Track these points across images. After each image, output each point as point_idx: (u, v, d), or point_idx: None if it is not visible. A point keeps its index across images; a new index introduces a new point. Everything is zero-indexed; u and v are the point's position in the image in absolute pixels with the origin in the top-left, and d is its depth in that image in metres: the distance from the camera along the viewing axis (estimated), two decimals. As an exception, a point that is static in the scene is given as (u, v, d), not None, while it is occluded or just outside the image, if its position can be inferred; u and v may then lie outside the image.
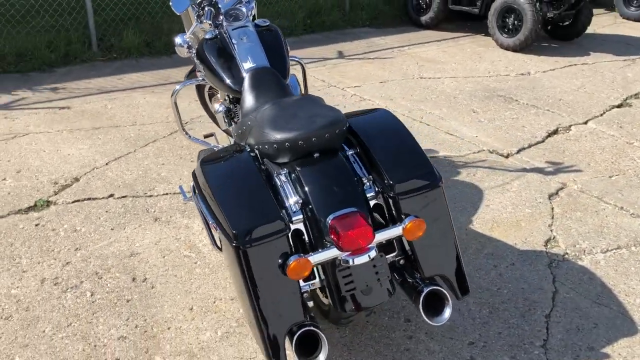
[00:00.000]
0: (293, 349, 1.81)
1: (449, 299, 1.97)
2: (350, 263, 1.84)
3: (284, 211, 1.92)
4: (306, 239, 1.96)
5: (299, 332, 1.84)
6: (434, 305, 1.99)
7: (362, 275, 1.92)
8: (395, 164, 2.03)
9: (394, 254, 2.05)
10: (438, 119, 4.38)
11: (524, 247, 2.82)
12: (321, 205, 1.91)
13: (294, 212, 1.94)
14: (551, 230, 2.97)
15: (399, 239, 2.03)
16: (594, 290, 2.51)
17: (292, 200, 1.94)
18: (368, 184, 2.02)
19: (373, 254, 1.86)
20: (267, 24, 2.85)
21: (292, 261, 1.79)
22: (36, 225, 2.89)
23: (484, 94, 4.94)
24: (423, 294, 1.95)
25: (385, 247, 2.03)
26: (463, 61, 5.96)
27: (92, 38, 5.57)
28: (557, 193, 3.34)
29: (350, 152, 2.10)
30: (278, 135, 1.99)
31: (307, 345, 1.88)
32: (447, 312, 1.98)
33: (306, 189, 1.94)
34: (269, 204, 1.88)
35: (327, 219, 1.88)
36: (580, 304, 2.42)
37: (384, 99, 4.78)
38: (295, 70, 3.15)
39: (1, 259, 2.63)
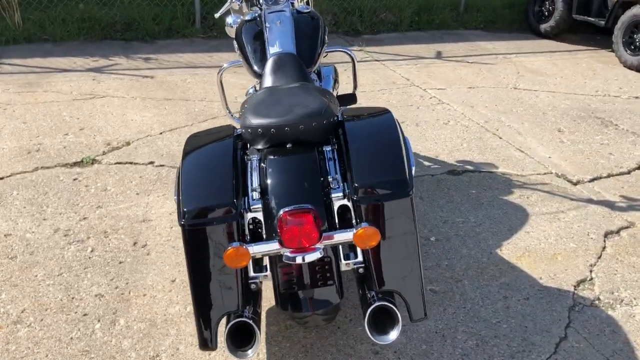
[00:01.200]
0: (224, 337, 1.76)
1: (399, 319, 1.81)
2: (291, 261, 1.75)
3: (245, 198, 1.86)
4: (263, 229, 1.89)
5: (231, 323, 1.79)
6: (385, 322, 1.84)
7: (304, 276, 1.82)
8: (366, 167, 1.89)
9: (355, 260, 1.91)
10: (514, 134, 4.04)
11: (549, 283, 2.51)
12: (278, 196, 1.83)
13: (254, 200, 1.87)
14: (591, 271, 2.62)
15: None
16: (612, 345, 2.18)
17: (254, 187, 1.88)
18: (336, 183, 1.90)
19: (317, 255, 1.75)
20: (309, 10, 2.79)
21: (230, 248, 1.73)
22: (74, 179, 3.09)
23: (578, 114, 4.48)
24: (371, 308, 1.81)
25: (348, 253, 1.91)
26: (571, 76, 5.45)
27: (196, 15, 5.83)
28: (617, 232, 2.94)
29: (328, 148, 1.98)
30: (254, 121, 1.93)
31: (244, 337, 1.83)
32: (393, 334, 1.81)
33: (268, 178, 1.87)
34: (226, 188, 1.83)
35: (280, 211, 1.80)
36: (587, 357, 2.11)
37: (464, 104, 4.51)
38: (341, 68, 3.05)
39: (31, 205, 2.85)
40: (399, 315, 1.82)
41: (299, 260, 1.74)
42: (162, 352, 2.05)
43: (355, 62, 3.25)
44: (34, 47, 5.14)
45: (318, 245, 1.76)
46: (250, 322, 1.78)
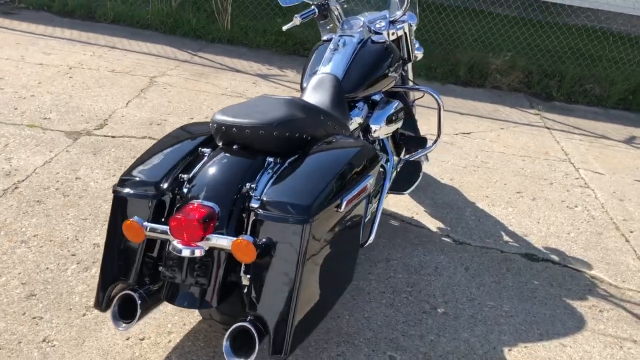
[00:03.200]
0: (112, 307, 1.85)
1: (256, 347, 1.68)
2: (173, 250, 1.76)
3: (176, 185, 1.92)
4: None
5: (120, 293, 1.87)
6: (247, 344, 1.72)
7: (183, 269, 1.81)
8: (282, 184, 1.80)
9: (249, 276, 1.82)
10: (651, 241, 3.31)
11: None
12: (194, 189, 1.85)
13: (181, 188, 1.92)
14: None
15: None
16: None
17: (185, 177, 1.93)
18: (258, 193, 1.84)
19: (197, 253, 1.73)
20: (383, 40, 2.73)
21: (128, 220, 1.82)
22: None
23: None
24: (232, 327, 1.72)
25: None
26: None
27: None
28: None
29: (271, 159, 1.93)
30: (217, 117, 1.99)
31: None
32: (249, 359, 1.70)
33: (199, 171, 1.90)
34: (161, 170, 1.92)
35: (188, 203, 1.83)
36: None
37: (612, 196, 3.82)
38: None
39: (115, 162, 3.29)
40: (256, 343, 1.70)
41: (176, 251, 1.74)
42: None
43: (442, 107, 3.06)
44: (231, 48, 5.84)
45: (201, 244, 1.74)
46: (135, 295, 1.83)
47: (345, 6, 3.13)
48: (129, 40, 5.54)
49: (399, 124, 2.85)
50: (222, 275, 1.80)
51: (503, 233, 3.19)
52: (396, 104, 2.80)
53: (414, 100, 3.43)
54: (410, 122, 3.19)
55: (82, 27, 5.72)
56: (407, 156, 3.14)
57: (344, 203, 1.85)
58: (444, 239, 3.05)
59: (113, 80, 4.52)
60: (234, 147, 1.96)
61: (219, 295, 1.81)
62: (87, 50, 5.10)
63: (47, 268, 2.39)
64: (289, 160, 1.95)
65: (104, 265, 1.92)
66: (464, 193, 3.57)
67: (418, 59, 3.25)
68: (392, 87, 3.04)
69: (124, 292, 1.87)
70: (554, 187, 3.84)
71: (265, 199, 1.76)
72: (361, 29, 2.76)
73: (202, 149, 2.02)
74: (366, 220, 2.15)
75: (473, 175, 3.83)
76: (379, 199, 2.32)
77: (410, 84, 3.28)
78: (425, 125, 4.52)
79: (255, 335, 1.71)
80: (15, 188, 2.90)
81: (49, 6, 6.11)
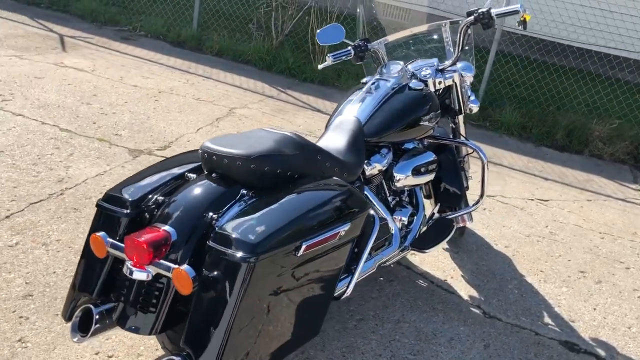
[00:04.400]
0: (73, 318, 1.87)
1: None
2: (124, 270, 1.74)
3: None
4: None
5: (80, 307, 1.87)
6: None
7: (132, 292, 1.77)
8: (244, 217, 1.73)
9: None
10: None
11: None
12: (163, 212, 1.83)
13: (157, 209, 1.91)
14: None
15: None
16: None
17: (161, 199, 1.91)
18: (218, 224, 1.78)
19: (143, 276, 1.70)
20: (421, 87, 2.59)
21: (94, 234, 1.83)
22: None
23: None
24: (161, 359, 1.65)
25: None
26: None
27: (481, 92, 5.74)
28: None
29: (245, 192, 1.86)
30: (204, 143, 1.97)
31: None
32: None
33: (174, 194, 1.88)
34: (142, 190, 1.93)
35: (151, 225, 1.81)
36: None
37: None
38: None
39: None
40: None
41: (126, 272, 1.72)
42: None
43: (486, 166, 2.84)
44: (320, 88, 5.89)
45: (150, 268, 1.71)
46: (94, 310, 1.83)
47: (403, 52, 3.03)
48: (225, 73, 5.80)
49: (429, 177, 2.66)
50: (170, 303, 1.75)
51: (546, 314, 2.83)
52: (428, 156, 2.63)
53: (465, 155, 3.20)
54: (455, 177, 2.97)
55: (187, 57, 6.10)
56: (445, 213, 2.93)
57: (303, 247, 1.73)
58: (472, 309, 2.77)
59: (194, 107, 4.73)
60: (213, 175, 1.93)
61: (164, 323, 1.75)
62: (182, 77, 5.42)
63: (54, 272, 2.48)
64: (262, 195, 1.87)
65: (75, 276, 1.94)
66: (515, 263, 3.24)
67: (473, 111, 3.04)
68: (436, 139, 2.87)
69: (84, 306, 1.87)
70: (629, 272, 3.36)
71: (218, 230, 1.69)
72: (399, 73, 2.65)
73: (189, 175, 2.01)
74: (342, 270, 2.00)
75: (534, 245, 3.48)
76: (363, 250, 2.14)
77: (462, 138, 3.07)
78: (498, 186, 4.22)
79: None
80: (61, 194, 3.08)
81: (164, 36, 6.60)
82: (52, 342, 2.12)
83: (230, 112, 4.78)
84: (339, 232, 1.84)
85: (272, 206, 1.79)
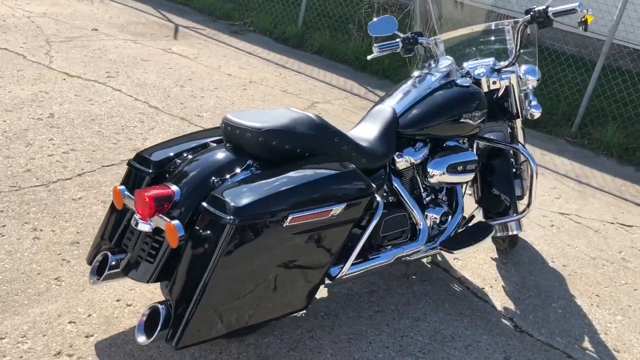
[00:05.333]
0: (93, 263, 2.07)
1: (156, 329, 1.72)
2: (132, 222, 1.90)
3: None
4: None
5: (99, 255, 2.06)
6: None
7: (137, 241, 1.92)
8: (241, 184, 1.85)
9: None
10: None
11: None
12: (176, 173, 1.97)
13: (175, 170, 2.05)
14: None
15: None
16: None
17: (180, 163, 2.05)
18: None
19: (146, 228, 1.84)
20: (468, 85, 2.54)
21: (114, 187, 2.01)
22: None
23: None
24: (149, 306, 1.79)
25: None
26: None
27: (577, 118, 5.39)
28: None
29: (251, 162, 1.94)
30: (226, 115, 2.08)
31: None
32: (141, 338, 1.75)
33: (192, 160, 2.01)
34: (168, 153, 2.09)
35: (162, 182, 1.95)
36: None
37: None
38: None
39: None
40: (159, 325, 1.73)
41: (133, 223, 1.88)
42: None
43: (535, 174, 2.72)
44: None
45: (152, 221, 1.85)
46: (109, 256, 2.01)
47: (466, 50, 2.97)
48: (319, 70, 5.95)
49: (466, 177, 2.58)
50: (167, 256, 1.87)
51: (587, 338, 2.62)
52: (467, 155, 2.55)
53: (522, 162, 3.04)
54: (504, 183, 2.86)
55: (287, 53, 6.33)
56: (491, 219, 2.82)
57: (290, 218, 1.78)
58: (503, 320, 2.64)
59: (278, 98, 4.91)
60: (227, 145, 2.04)
61: (159, 273, 1.88)
62: (276, 71, 5.64)
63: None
64: (266, 167, 1.95)
65: (101, 225, 2.14)
66: (569, 284, 3.03)
67: (535, 117, 2.89)
68: (486, 141, 2.79)
69: (103, 252, 2.06)
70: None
71: (212, 193, 1.79)
72: (447, 68, 2.60)
73: (211, 144, 2.13)
74: (339, 250, 2.01)
75: (597, 269, 3.22)
76: (362, 234, 2.13)
77: (519, 145, 2.92)
78: (576, 205, 3.95)
79: (162, 318, 1.74)
80: (132, 161, 3.37)
81: (271, 32, 6.89)
82: (82, 285, 2.35)
83: (312, 105, 4.91)
84: (331, 210, 1.87)
85: (270, 177, 1.86)
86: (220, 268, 1.69)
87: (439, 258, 3.02)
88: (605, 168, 4.87)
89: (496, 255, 3.15)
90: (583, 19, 2.42)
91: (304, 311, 2.42)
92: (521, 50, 2.67)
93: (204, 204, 1.77)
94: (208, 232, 1.72)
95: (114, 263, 2.01)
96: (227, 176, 1.91)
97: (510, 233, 2.92)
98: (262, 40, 6.64)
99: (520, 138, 2.94)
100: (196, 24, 6.73)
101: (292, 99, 4.97)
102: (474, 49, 2.92)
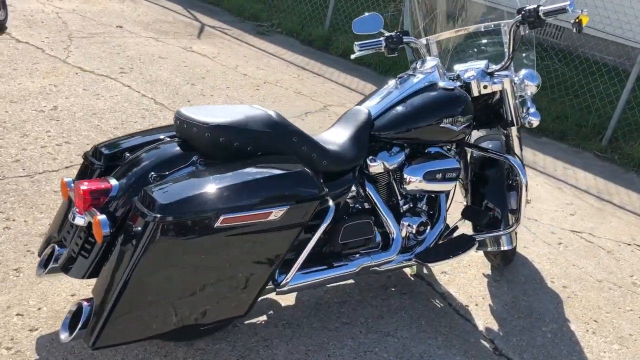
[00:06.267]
0: (42, 256, 2.03)
1: (76, 326, 1.66)
2: (69, 215, 1.84)
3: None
4: None
5: (48, 247, 2.02)
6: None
7: (74, 235, 1.86)
8: (178, 181, 1.77)
9: None
10: None
11: None
12: (122, 167, 1.90)
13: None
14: None
15: None
16: None
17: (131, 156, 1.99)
18: None
19: (80, 222, 1.79)
20: (453, 87, 2.38)
21: (62, 179, 1.97)
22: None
23: None
24: (74, 307, 1.73)
25: None
26: None
27: (608, 131, 5.08)
28: None
29: (195, 158, 1.86)
30: (179, 109, 2.00)
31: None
32: (64, 335, 1.69)
33: (140, 154, 1.94)
34: (120, 147, 2.03)
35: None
36: None
37: None
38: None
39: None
40: (80, 322, 1.67)
41: (70, 216, 1.83)
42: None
43: (524, 185, 2.52)
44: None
45: (85, 214, 1.79)
46: (56, 249, 1.97)
47: (461, 52, 2.81)
48: (340, 72, 5.84)
49: (446, 186, 2.42)
50: (101, 251, 1.81)
51: (576, 367, 2.42)
52: (448, 162, 2.39)
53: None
54: (496, 195, 2.68)
55: (310, 55, 6.25)
56: (481, 232, 2.65)
57: (221, 218, 1.68)
58: (483, 341, 2.46)
59: (291, 100, 4.83)
60: (176, 139, 1.96)
61: (94, 269, 1.82)
62: (295, 72, 5.56)
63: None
64: (210, 164, 1.86)
65: (54, 217, 2.10)
66: (566, 307, 2.81)
67: (533, 125, 2.69)
68: (475, 148, 2.62)
69: (51, 244, 2.02)
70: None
71: (144, 189, 1.71)
72: (431, 70, 2.45)
73: (166, 138, 2.06)
74: (284, 256, 1.89)
75: (601, 292, 2.98)
76: (308, 241, 1.99)
77: (516, 156, 2.73)
78: (591, 223, 3.69)
79: (83, 316, 1.68)
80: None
81: (298, 34, 6.83)
82: (40, 278, 2.31)
83: (324, 108, 4.80)
84: (270, 212, 1.76)
85: (207, 175, 1.77)
86: (142, 267, 1.61)
87: (425, 271, 2.86)
88: (633, 185, 4.56)
89: (489, 272, 2.96)
90: (577, 20, 2.23)
91: (265, 317, 2.33)
92: (515, 53, 2.50)
93: (134, 199, 1.70)
94: (135, 229, 1.65)
95: (57, 255, 1.97)
96: (168, 172, 1.83)
97: (502, 248, 2.73)
98: (287, 42, 6.58)
99: (516, 147, 2.74)
100: (223, 24, 6.74)
101: (305, 100, 4.88)
102: (470, 51, 2.75)
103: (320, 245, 2.16)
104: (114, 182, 1.82)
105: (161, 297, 1.69)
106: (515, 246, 2.95)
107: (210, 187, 1.70)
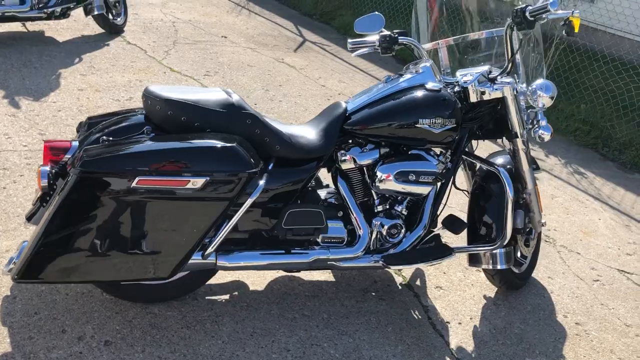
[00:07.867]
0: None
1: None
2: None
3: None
4: None
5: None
6: None
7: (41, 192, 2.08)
8: (118, 143, 1.91)
9: None
10: None
11: None
12: (89, 132, 2.12)
13: None
14: None
15: None
16: None
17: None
18: None
19: (44, 172, 1.98)
20: (438, 89, 2.32)
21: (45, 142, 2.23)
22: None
23: None
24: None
25: None
26: None
27: None
28: None
29: (148, 128, 2.01)
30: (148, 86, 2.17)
31: None
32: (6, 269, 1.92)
33: (107, 124, 2.14)
34: (104, 119, 2.26)
35: None
36: None
37: None
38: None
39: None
40: (15, 258, 1.90)
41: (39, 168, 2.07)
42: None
43: (510, 198, 2.37)
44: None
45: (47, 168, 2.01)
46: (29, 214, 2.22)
47: (469, 57, 2.72)
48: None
49: (420, 189, 2.33)
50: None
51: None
52: (426, 165, 2.31)
53: (528, 190, 2.60)
54: (495, 209, 2.52)
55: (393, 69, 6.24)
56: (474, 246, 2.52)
57: (137, 180, 1.81)
58: (447, 358, 2.31)
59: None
60: (140, 113, 2.14)
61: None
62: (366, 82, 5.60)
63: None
64: (155, 134, 2.00)
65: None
66: (568, 343, 2.53)
67: (544, 140, 2.50)
68: (468, 157, 2.51)
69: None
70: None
71: (83, 146, 1.90)
72: (421, 70, 2.40)
73: (139, 112, 2.25)
74: (209, 228, 1.96)
75: (623, 337, 2.64)
76: (234, 216, 2.02)
77: (525, 169, 2.54)
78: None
79: (18, 253, 1.90)
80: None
81: (397, 52, 6.87)
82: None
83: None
84: (188, 180, 1.85)
85: (143, 142, 1.91)
86: (60, 213, 1.79)
87: (418, 283, 2.75)
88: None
89: (492, 295, 2.76)
90: (566, 22, 2.05)
91: (227, 296, 2.40)
92: (514, 58, 2.36)
93: (72, 155, 1.90)
94: (63, 180, 1.84)
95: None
96: (118, 138, 2.01)
97: (497, 267, 2.54)
98: (383, 60, 6.63)
99: (524, 162, 2.55)
100: (324, 40, 6.97)
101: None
102: (478, 55, 2.64)
103: (267, 228, 2.21)
104: (75, 143, 2.04)
105: (81, 245, 1.85)
106: (526, 272, 2.74)
107: (136, 150, 1.85)
